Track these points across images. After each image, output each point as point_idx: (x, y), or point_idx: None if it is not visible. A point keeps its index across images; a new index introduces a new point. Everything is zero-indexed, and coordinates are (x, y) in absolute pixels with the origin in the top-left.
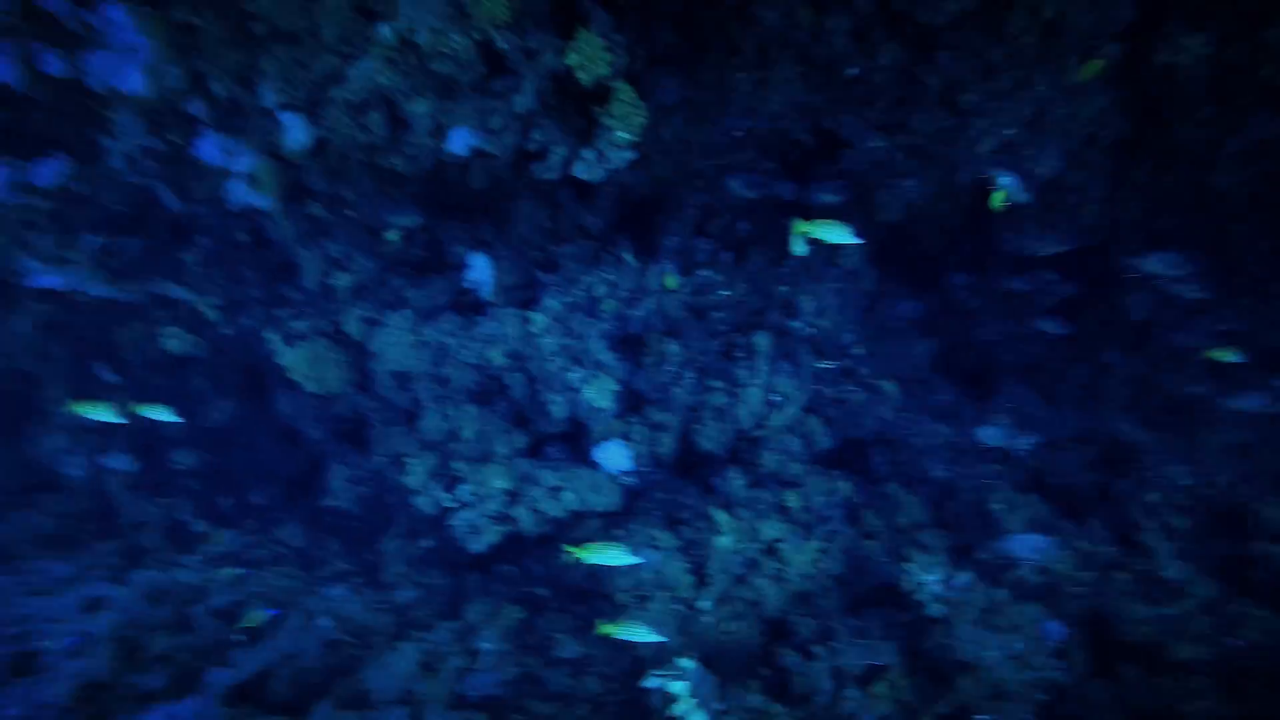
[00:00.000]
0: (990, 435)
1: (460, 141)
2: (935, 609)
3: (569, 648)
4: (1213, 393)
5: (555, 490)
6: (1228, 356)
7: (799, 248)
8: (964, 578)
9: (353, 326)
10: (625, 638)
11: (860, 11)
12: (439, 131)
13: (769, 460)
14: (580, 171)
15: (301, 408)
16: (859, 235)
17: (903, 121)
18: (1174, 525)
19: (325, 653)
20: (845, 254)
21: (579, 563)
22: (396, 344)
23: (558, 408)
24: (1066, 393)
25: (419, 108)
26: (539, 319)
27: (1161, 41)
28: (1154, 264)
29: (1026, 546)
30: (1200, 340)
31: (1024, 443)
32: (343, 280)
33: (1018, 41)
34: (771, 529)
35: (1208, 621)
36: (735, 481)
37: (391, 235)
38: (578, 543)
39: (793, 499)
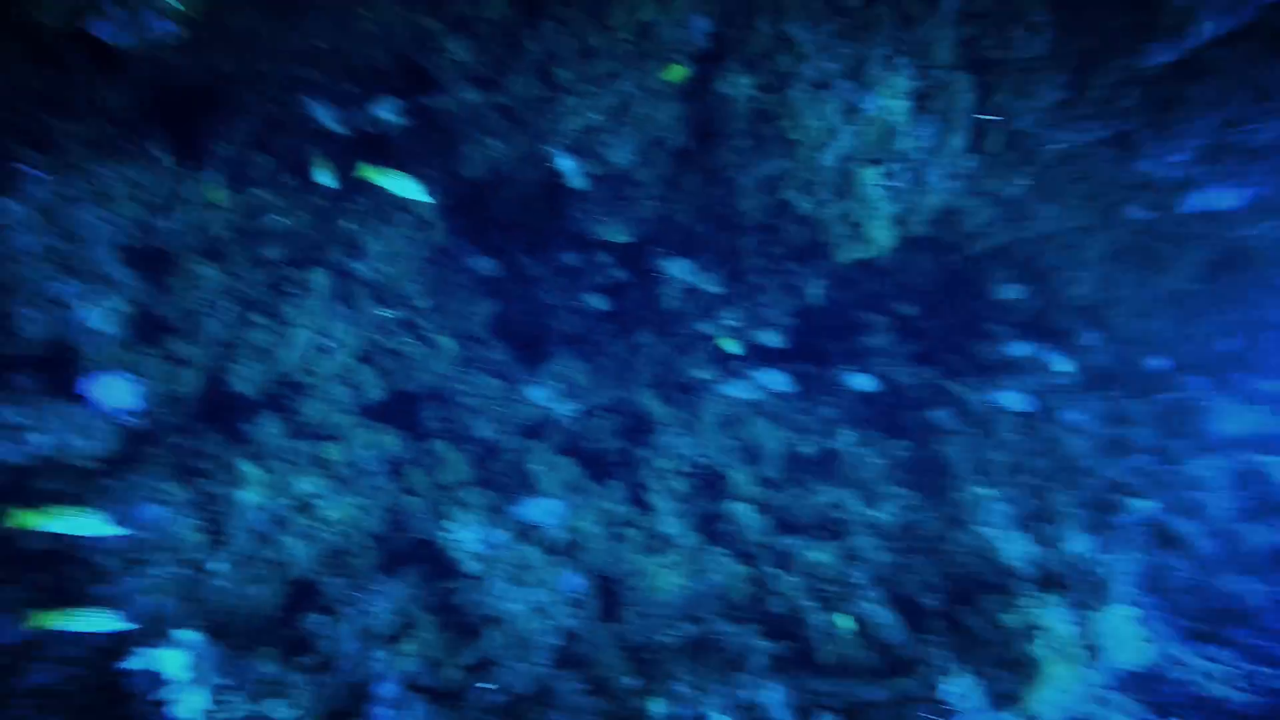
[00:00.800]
0: (537, 399)
1: None
2: (471, 566)
3: (8, 631)
4: (714, 377)
5: (17, 430)
6: (731, 347)
7: (324, 178)
8: (500, 535)
9: None
10: (73, 629)
11: None
12: None
13: (312, 409)
14: (101, 30)
15: None
16: (436, 188)
17: (499, 80)
18: (675, 488)
19: None
20: (420, 202)
21: (27, 529)
22: None
23: (34, 326)
24: (605, 365)
25: None
26: (15, 209)
27: (723, 73)
28: (675, 268)
29: (541, 511)
30: (714, 331)
31: (566, 408)
32: None
33: (616, 34)
34: (307, 483)
35: (688, 568)
36: (270, 429)
37: None
38: (51, 496)
39: (334, 452)
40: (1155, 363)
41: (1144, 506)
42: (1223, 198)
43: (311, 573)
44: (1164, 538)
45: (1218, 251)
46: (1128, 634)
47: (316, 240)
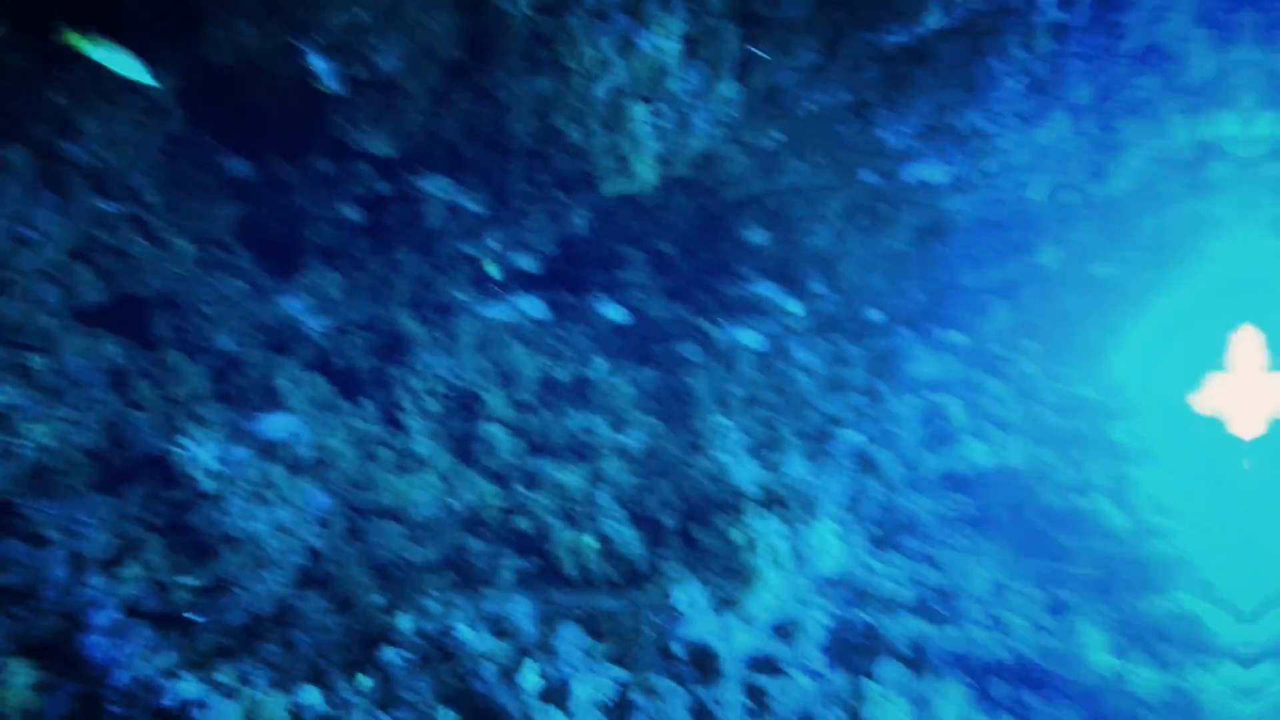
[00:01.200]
0: (288, 311)
1: None
2: (207, 484)
3: None
4: (472, 299)
5: None
6: (494, 270)
7: None
8: (240, 452)
9: None
10: None
11: None
12: None
13: (9, 309)
14: None
15: None
16: (171, 70)
17: None
18: (429, 408)
19: None
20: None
21: None
22: None
23: None
24: (361, 280)
25: None
26: None
27: None
28: (438, 185)
29: (286, 428)
30: (476, 253)
31: (318, 323)
32: None
33: None
34: (1, 394)
35: (441, 486)
36: None
37: None
38: None
39: (39, 360)
40: (871, 313)
41: (852, 437)
42: (933, 172)
43: (6, 493)
44: (864, 463)
45: (927, 219)
46: (829, 545)
47: (13, 111)
